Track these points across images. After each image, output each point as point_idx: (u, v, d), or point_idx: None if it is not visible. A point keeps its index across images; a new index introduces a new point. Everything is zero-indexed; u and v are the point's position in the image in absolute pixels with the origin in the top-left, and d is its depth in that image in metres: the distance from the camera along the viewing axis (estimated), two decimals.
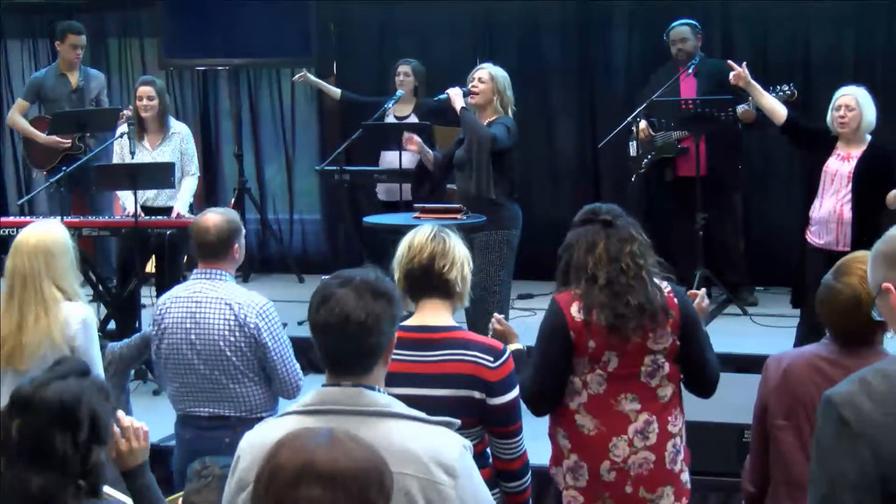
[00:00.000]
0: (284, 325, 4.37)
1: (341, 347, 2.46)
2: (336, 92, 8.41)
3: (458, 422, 2.52)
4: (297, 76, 8.55)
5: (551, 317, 3.64)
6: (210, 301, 4.20)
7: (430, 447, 2.40)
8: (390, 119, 7.93)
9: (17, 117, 8.23)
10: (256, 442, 2.47)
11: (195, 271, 4.33)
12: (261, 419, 4.13)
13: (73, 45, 8.07)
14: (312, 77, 8.43)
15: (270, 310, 4.24)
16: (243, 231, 4.39)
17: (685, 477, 3.72)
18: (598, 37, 8.78)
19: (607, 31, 8.78)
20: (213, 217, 4.29)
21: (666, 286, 3.63)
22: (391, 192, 7.78)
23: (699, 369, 3.70)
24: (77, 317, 4.15)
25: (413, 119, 7.91)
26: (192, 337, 4.20)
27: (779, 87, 6.88)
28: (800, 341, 6.12)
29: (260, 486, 1.89)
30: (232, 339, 4.16)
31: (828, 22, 8.27)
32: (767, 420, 3.35)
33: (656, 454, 3.63)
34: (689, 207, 7.48)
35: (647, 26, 8.61)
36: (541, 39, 8.85)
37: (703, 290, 3.99)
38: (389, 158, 7.75)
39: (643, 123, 7.63)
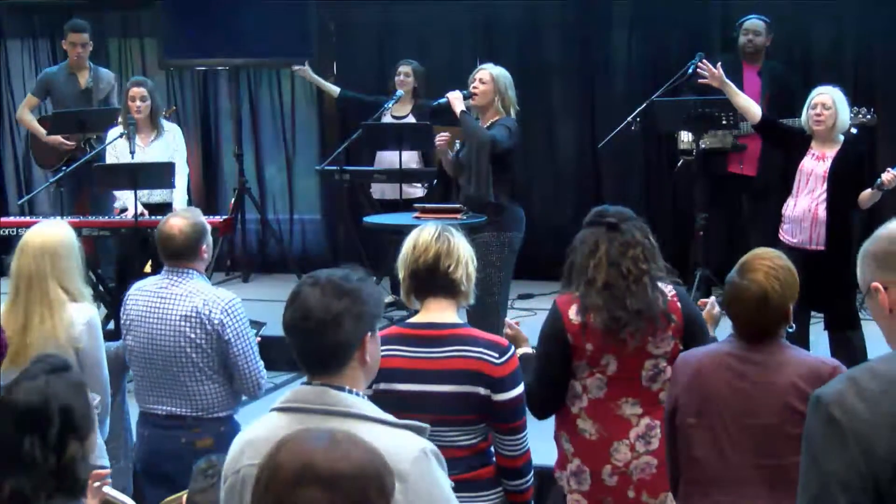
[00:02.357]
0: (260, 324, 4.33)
1: (305, 345, 2.48)
2: (334, 90, 8.40)
3: (428, 427, 2.49)
4: (296, 67, 8.52)
5: (550, 319, 3.67)
6: (174, 297, 4.19)
7: (382, 450, 2.37)
8: (387, 119, 7.93)
9: (26, 113, 8.23)
10: (240, 438, 2.53)
11: (164, 269, 4.30)
12: (219, 419, 4.21)
13: (73, 44, 8.04)
14: (311, 73, 8.42)
15: (236, 306, 4.20)
16: (209, 230, 4.33)
17: None
18: (598, 37, 8.77)
19: (607, 31, 8.78)
20: (178, 222, 4.24)
21: (671, 290, 3.64)
22: (385, 192, 7.81)
23: None
24: (82, 317, 4.14)
25: (411, 119, 7.91)
26: (155, 332, 4.20)
27: (859, 110, 6.85)
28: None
29: (259, 486, 1.89)
30: (193, 335, 4.14)
31: (828, 21, 8.28)
32: (677, 419, 3.38)
33: (658, 458, 3.63)
34: (725, 204, 7.60)
35: (648, 26, 8.62)
36: (541, 39, 8.85)
37: (713, 297, 4.02)
38: (389, 158, 7.75)
39: None
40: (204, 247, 4.26)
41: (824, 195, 6.08)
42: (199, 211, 4.49)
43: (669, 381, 3.49)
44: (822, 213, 6.07)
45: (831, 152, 6.11)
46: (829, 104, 6.07)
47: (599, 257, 3.59)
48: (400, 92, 7.94)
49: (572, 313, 3.61)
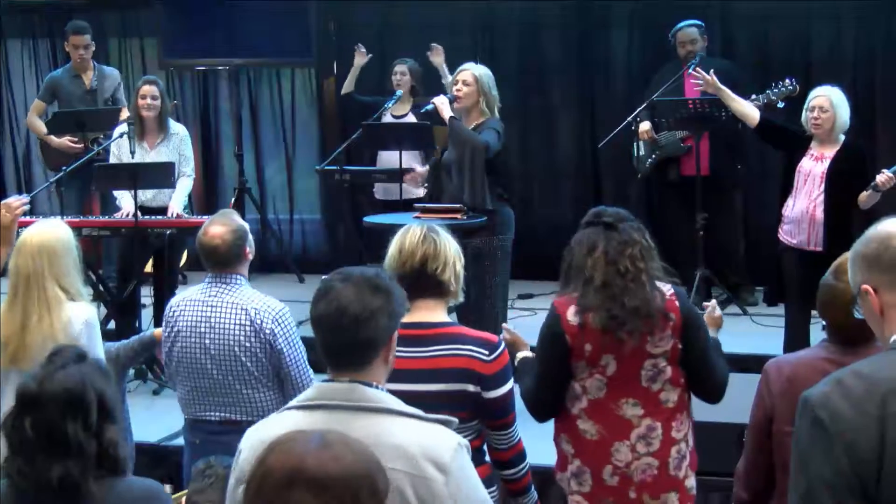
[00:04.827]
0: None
1: (337, 340, 2.48)
2: (350, 87, 8.32)
3: (456, 420, 2.52)
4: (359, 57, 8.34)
5: (549, 321, 3.64)
6: (226, 306, 4.17)
7: (422, 443, 2.40)
8: (387, 118, 7.92)
9: (34, 119, 8.22)
10: (256, 438, 2.51)
11: (209, 276, 4.26)
12: None
13: (75, 46, 8.04)
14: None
15: (286, 315, 4.20)
16: (248, 230, 4.32)
17: (690, 483, 3.68)
18: (598, 37, 8.78)
19: (607, 31, 8.78)
20: (218, 230, 4.19)
21: (668, 289, 3.60)
22: (389, 192, 7.78)
23: (702, 374, 3.66)
24: (80, 317, 4.14)
25: (410, 118, 7.89)
26: (207, 341, 4.18)
27: (780, 83, 6.89)
28: (788, 340, 6.15)
29: (251, 489, 1.89)
30: (247, 344, 4.13)
31: (828, 21, 8.28)
32: (774, 428, 3.31)
33: (660, 460, 3.61)
34: (692, 207, 7.47)
35: (647, 26, 8.62)
36: (541, 39, 8.85)
37: (714, 301, 3.99)
38: (387, 158, 7.74)
39: (645, 125, 7.62)
40: (247, 249, 4.24)
41: (822, 196, 6.06)
42: (235, 213, 4.44)
43: (760, 387, 3.39)
44: (819, 213, 6.05)
45: (830, 153, 6.09)
46: (826, 107, 6.05)
47: (597, 256, 3.55)
48: (399, 92, 7.93)
49: (570, 314, 3.57)
